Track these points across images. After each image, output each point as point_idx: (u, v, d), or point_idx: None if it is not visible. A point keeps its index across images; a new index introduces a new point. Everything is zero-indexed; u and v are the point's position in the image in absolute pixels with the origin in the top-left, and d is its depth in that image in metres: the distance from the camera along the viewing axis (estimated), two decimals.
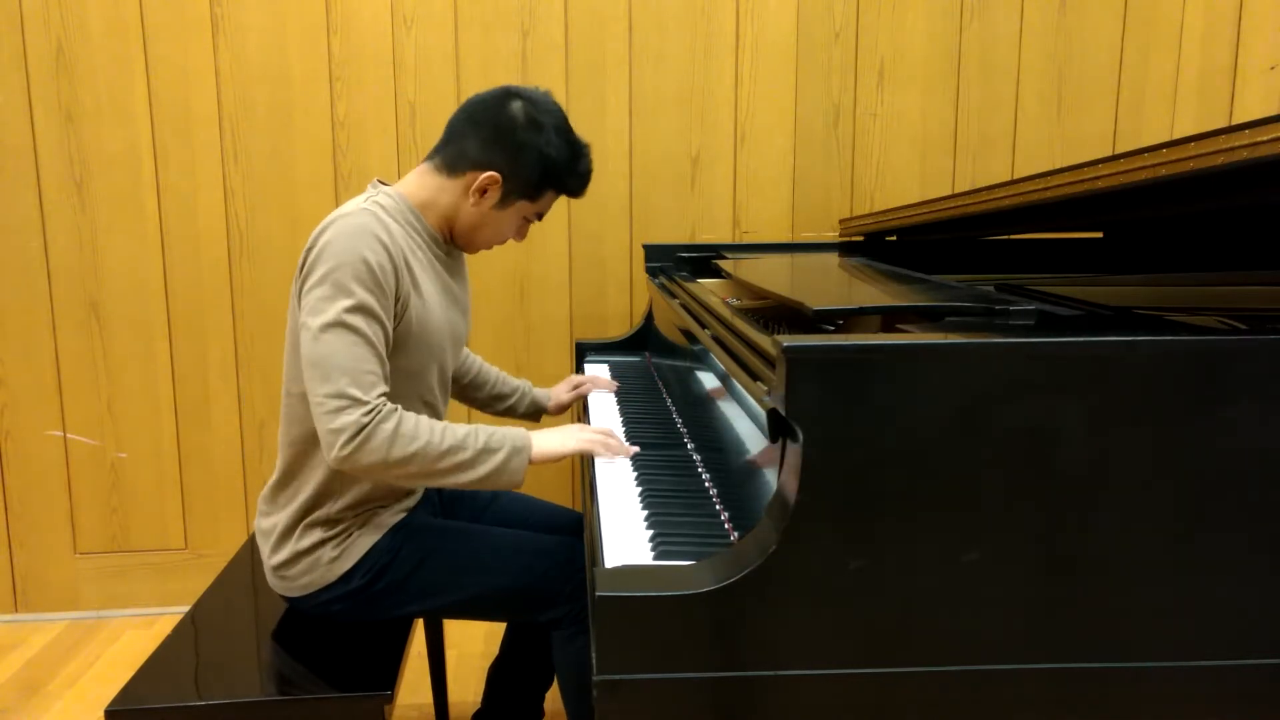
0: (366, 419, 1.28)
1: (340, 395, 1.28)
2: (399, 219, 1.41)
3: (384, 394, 1.32)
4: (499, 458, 1.35)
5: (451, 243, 1.52)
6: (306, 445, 1.42)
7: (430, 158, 1.47)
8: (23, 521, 2.47)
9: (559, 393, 1.90)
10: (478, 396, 1.84)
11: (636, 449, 1.47)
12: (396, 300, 1.36)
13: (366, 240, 1.31)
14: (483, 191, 1.43)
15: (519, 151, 1.41)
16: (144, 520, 2.50)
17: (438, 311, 1.45)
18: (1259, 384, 0.90)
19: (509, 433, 1.38)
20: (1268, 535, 0.92)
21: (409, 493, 1.53)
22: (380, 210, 1.38)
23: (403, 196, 1.45)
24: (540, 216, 1.51)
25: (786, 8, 2.42)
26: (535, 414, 1.89)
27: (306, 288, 1.33)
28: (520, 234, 1.53)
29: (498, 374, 1.85)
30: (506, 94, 1.43)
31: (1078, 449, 0.90)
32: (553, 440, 1.42)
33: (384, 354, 1.34)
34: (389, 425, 1.29)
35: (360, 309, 1.30)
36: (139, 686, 1.32)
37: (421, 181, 1.46)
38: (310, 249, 1.34)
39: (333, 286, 1.30)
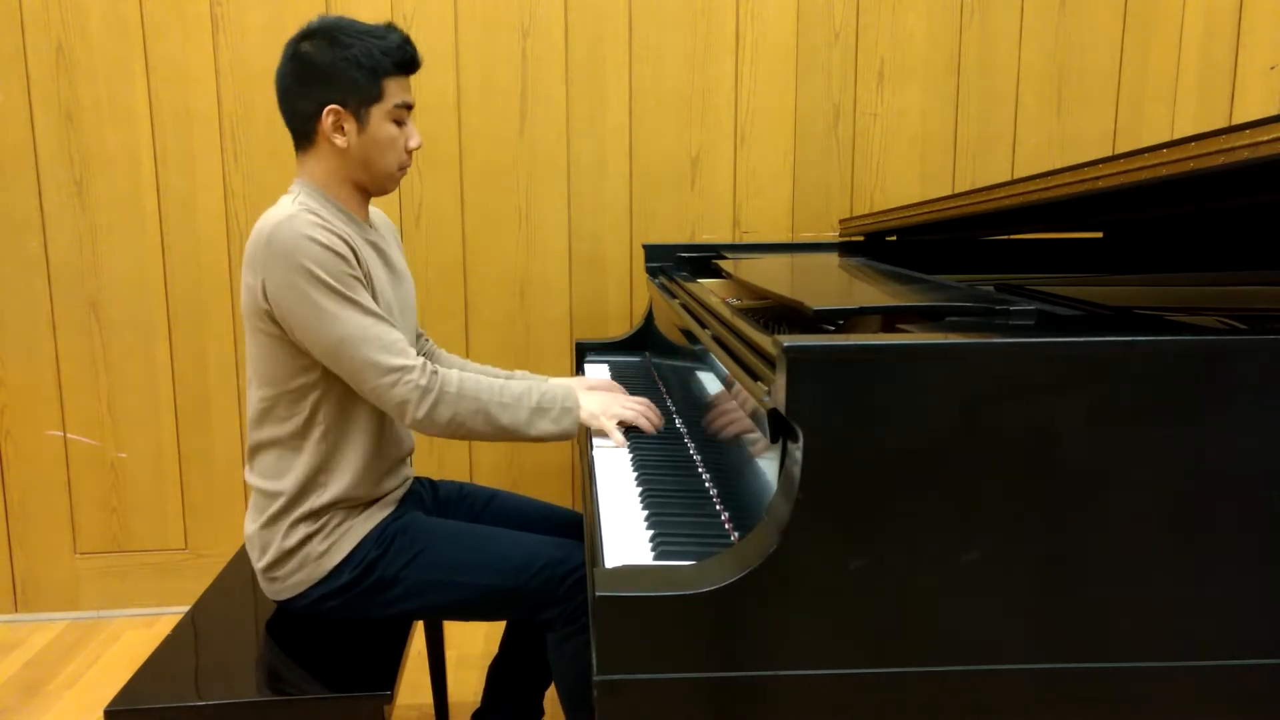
0: (424, 380, 1.37)
1: (389, 371, 1.35)
2: (326, 209, 1.43)
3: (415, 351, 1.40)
4: (550, 418, 1.44)
5: (369, 203, 1.53)
6: (286, 443, 1.42)
7: (296, 151, 1.48)
8: (23, 521, 2.47)
9: None
10: None
11: (660, 419, 1.56)
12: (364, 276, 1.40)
13: (315, 233, 1.33)
14: (339, 128, 1.42)
15: (331, 71, 1.40)
16: (144, 520, 2.50)
17: (387, 291, 1.48)
18: (1259, 384, 0.90)
19: (557, 393, 1.46)
20: (1267, 535, 0.92)
21: (395, 486, 1.53)
22: (310, 204, 1.40)
23: (313, 189, 1.45)
24: (408, 108, 1.48)
25: (786, 8, 2.42)
26: None
27: (288, 305, 1.34)
28: (413, 138, 1.49)
29: (488, 372, 1.80)
30: (291, 46, 1.43)
31: (1078, 449, 0.90)
32: (592, 405, 1.50)
33: (387, 316, 1.40)
34: (451, 389, 1.38)
35: (349, 292, 1.35)
36: (139, 686, 1.32)
37: (309, 171, 1.46)
38: (264, 261, 1.34)
39: (314, 287, 1.32)
